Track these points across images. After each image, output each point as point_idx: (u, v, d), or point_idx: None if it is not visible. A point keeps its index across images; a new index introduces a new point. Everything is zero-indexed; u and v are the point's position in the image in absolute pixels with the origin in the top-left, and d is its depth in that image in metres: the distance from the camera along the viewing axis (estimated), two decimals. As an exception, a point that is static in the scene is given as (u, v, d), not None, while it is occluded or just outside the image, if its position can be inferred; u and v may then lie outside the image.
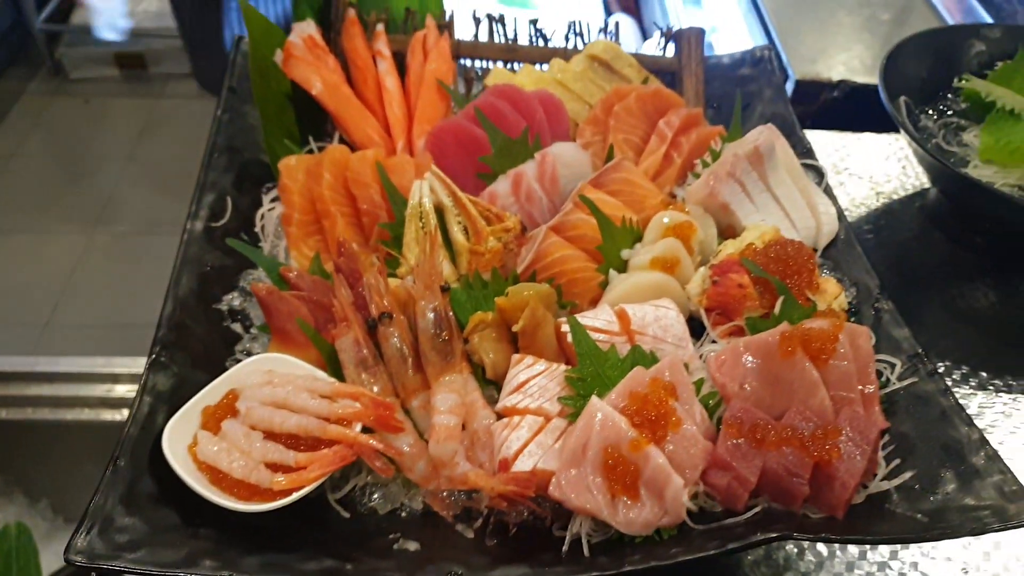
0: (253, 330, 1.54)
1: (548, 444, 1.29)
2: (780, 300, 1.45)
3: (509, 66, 1.99)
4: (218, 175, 1.79)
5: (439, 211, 1.59)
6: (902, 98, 2.27)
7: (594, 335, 1.40)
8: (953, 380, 1.77)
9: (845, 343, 1.37)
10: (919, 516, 1.22)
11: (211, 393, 1.34)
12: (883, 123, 2.52)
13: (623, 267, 1.57)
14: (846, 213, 2.18)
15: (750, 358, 1.36)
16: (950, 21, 3.10)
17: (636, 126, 1.83)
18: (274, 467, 1.24)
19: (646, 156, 1.79)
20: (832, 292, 1.57)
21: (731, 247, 1.59)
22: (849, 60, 2.85)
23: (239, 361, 1.46)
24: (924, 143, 2.17)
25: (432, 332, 1.35)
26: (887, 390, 1.45)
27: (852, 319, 1.60)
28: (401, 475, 1.33)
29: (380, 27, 1.90)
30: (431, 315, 1.35)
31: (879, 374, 1.48)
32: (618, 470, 1.22)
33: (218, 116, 1.90)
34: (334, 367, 1.38)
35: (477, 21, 2.01)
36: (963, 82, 2.34)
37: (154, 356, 1.38)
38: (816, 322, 1.39)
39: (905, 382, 1.44)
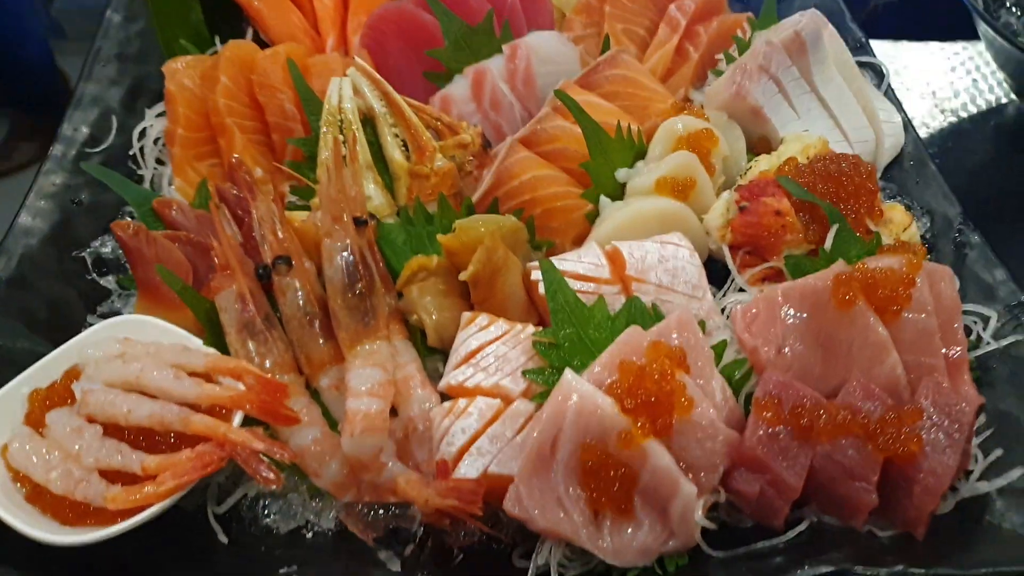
0: (127, 287, 1.17)
1: (506, 437, 0.91)
2: (832, 231, 1.05)
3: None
4: (102, 89, 1.41)
5: (369, 121, 1.19)
6: (980, -10, 1.83)
7: (575, 283, 1.00)
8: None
9: (923, 288, 0.97)
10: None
11: (43, 371, 0.97)
12: (947, 30, 2.07)
13: (619, 192, 1.17)
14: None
15: (792, 311, 0.97)
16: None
17: (640, 12, 1.41)
18: (115, 476, 0.87)
19: (653, 49, 1.37)
20: (900, 221, 1.16)
21: (764, 163, 1.18)
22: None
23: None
24: (1010, 37, 1.73)
25: (343, 282, 0.96)
26: (979, 352, 1.05)
27: (928, 257, 1.19)
28: (307, 481, 0.96)
29: None
30: (340, 259, 0.97)
31: (967, 330, 1.08)
32: (602, 475, 0.85)
33: (107, 16, 1.51)
34: (216, 333, 1.01)
35: None
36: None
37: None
38: (882, 259, 0.99)
39: (1005, 341, 1.04)
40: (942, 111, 1.91)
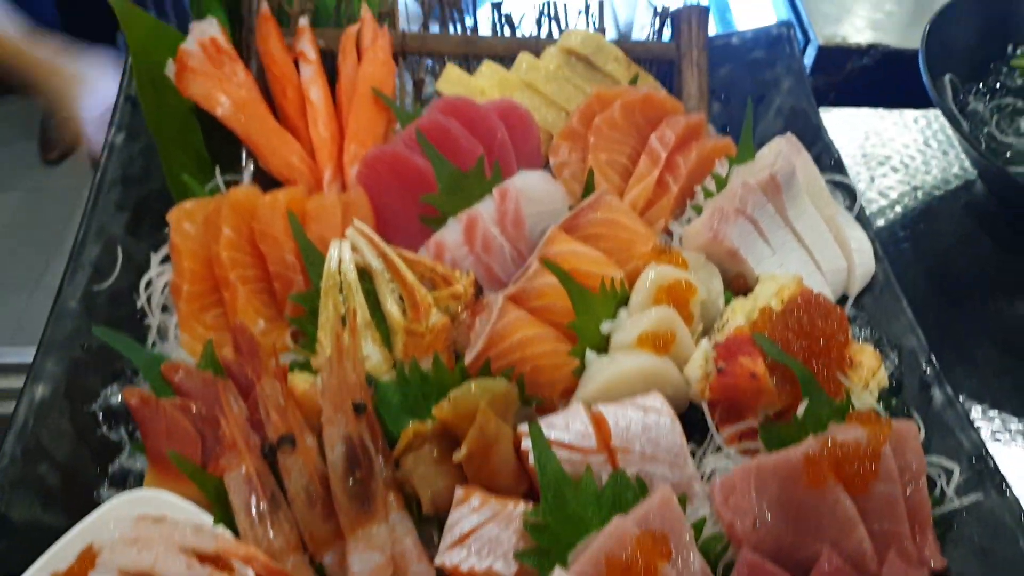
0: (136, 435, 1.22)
1: (501, 620, 0.98)
2: (803, 405, 1.12)
3: (467, 63, 1.60)
4: (108, 218, 1.45)
5: (367, 276, 1.24)
6: (947, 76, 1.89)
7: (563, 453, 1.07)
8: (1016, 443, 1.45)
9: (889, 456, 1.05)
10: None
11: (60, 555, 1.03)
12: (921, 95, 2.14)
13: (603, 343, 1.23)
14: (877, 213, 1.83)
15: (766, 485, 1.04)
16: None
17: (622, 142, 1.46)
18: (136, 666, 0.94)
19: (634, 183, 1.43)
20: (869, 366, 1.23)
21: (740, 312, 1.25)
22: (879, 18, 2.42)
23: (114, 486, 1.16)
24: (974, 135, 1.80)
25: (342, 470, 1.03)
26: (943, 509, 1.13)
27: (893, 399, 1.26)
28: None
29: (304, 21, 1.52)
30: (341, 447, 1.03)
31: (931, 483, 1.16)
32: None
33: (111, 136, 1.54)
34: (225, 507, 1.06)
35: (428, 7, 1.62)
36: (1021, 54, 1.95)
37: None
38: (851, 431, 1.06)
39: (967, 499, 1.11)
40: (914, 188, 1.98)
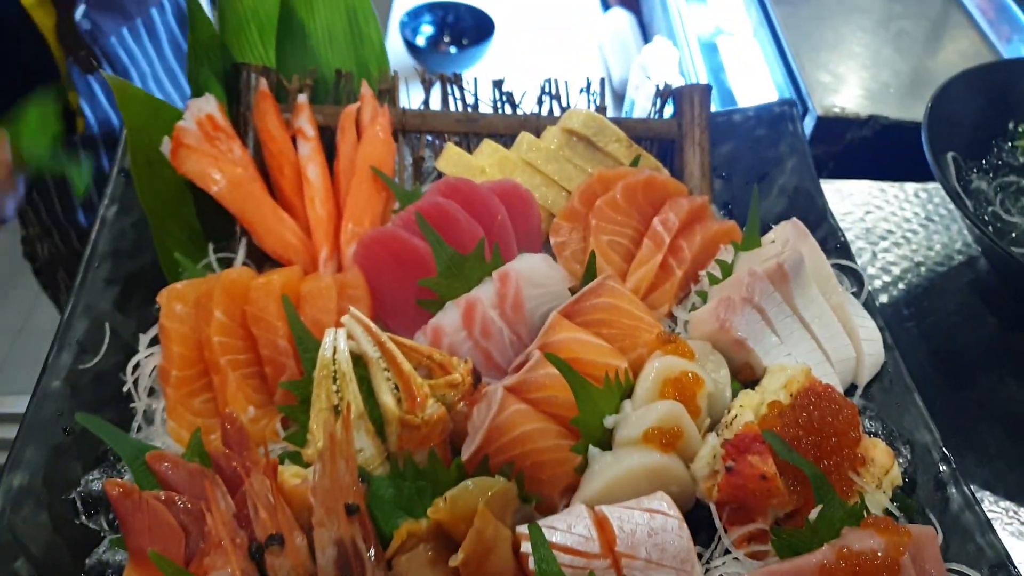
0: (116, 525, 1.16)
1: None
2: (816, 510, 1.07)
3: (467, 141, 1.59)
4: (96, 294, 1.41)
5: (362, 362, 1.20)
6: (950, 154, 1.88)
7: (564, 557, 1.02)
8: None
9: (908, 567, 0.99)
10: None
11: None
12: (922, 167, 2.14)
13: (607, 438, 1.19)
14: (880, 289, 1.81)
15: (781, 598, 0.99)
16: (990, 33, 2.67)
17: (624, 223, 1.44)
18: None
19: (637, 266, 1.40)
20: (881, 464, 1.19)
21: (748, 407, 1.20)
22: (877, 89, 2.44)
23: (90, 578, 1.10)
24: (978, 214, 1.78)
25: (333, 575, 0.97)
26: (963, 620, 1.07)
27: (908, 498, 1.21)
28: None
29: (303, 98, 1.50)
30: (332, 551, 0.98)
31: (952, 594, 1.11)
32: None
33: (103, 209, 1.52)
34: (209, 609, 1.01)
35: (428, 83, 1.61)
36: (1023, 132, 1.96)
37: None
38: (868, 539, 1.01)
39: (988, 609, 1.06)
40: (917, 265, 1.96)
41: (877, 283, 1.85)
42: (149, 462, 1.13)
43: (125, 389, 1.30)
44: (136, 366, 1.30)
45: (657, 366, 1.20)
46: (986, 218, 1.81)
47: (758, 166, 1.72)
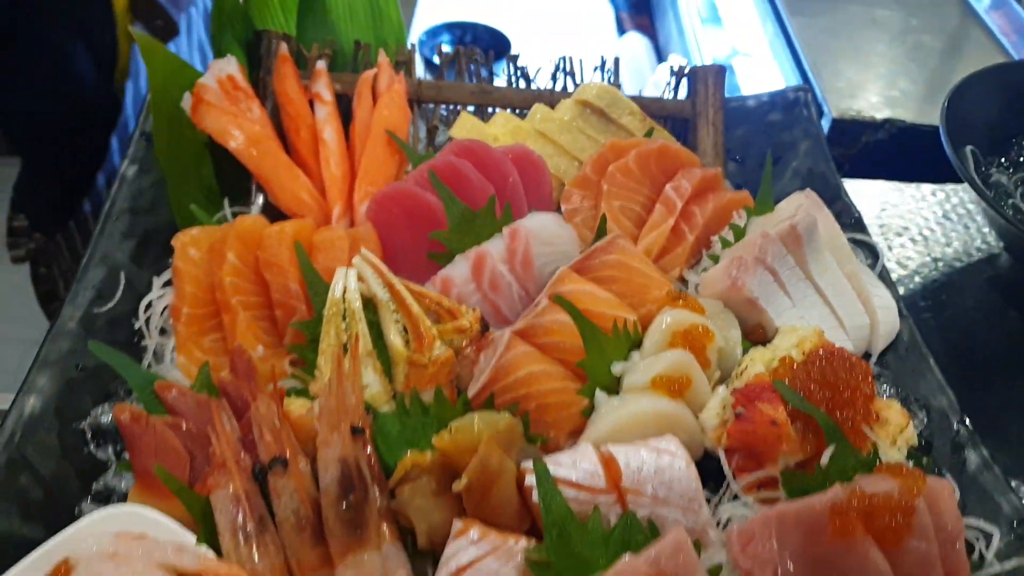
0: (124, 455, 1.16)
1: (494, 671, 0.89)
2: (829, 450, 1.05)
3: (481, 113, 1.61)
4: (113, 244, 1.43)
5: (372, 306, 1.20)
6: (968, 148, 1.87)
7: (569, 491, 1.00)
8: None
9: (923, 513, 0.96)
10: None
11: (35, 564, 0.96)
12: (938, 170, 2.12)
13: (614, 385, 1.17)
14: (897, 283, 1.78)
15: (788, 535, 0.96)
16: (1008, 47, 2.68)
17: (636, 191, 1.44)
18: None
19: (648, 230, 1.40)
20: (896, 423, 1.16)
21: (760, 360, 1.19)
22: (894, 95, 2.44)
23: (96, 503, 1.10)
24: (999, 204, 1.76)
25: (336, 493, 0.96)
26: (982, 573, 1.03)
27: (924, 458, 1.18)
28: None
29: (321, 64, 1.53)
30: (335, 470, 0.96)
31: (969, 546, 1.07)
32: None
33: (123, 168, 1.54)
34: (210, 528, 1.00)
35: (445, 57, 1.64)
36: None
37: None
38: (881, 481, 0.99)
39: (1009, 563, 1.02)
40: (934, 260, 1.93)
41: (893, 276, 1.83)
42: (157, 391, 1.13)
43: (137, 326, 1.30)
44: (148, 306, 1.31)
45: (667, 318, 1.19)
46: (1007, 210, 1.79)
47: (772, 150, 1.72)
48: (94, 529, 0.99)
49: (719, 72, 1.69)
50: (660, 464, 1.03)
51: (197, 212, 1.38)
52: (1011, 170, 1.91)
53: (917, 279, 1.90)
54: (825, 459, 1.04)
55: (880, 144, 2.39)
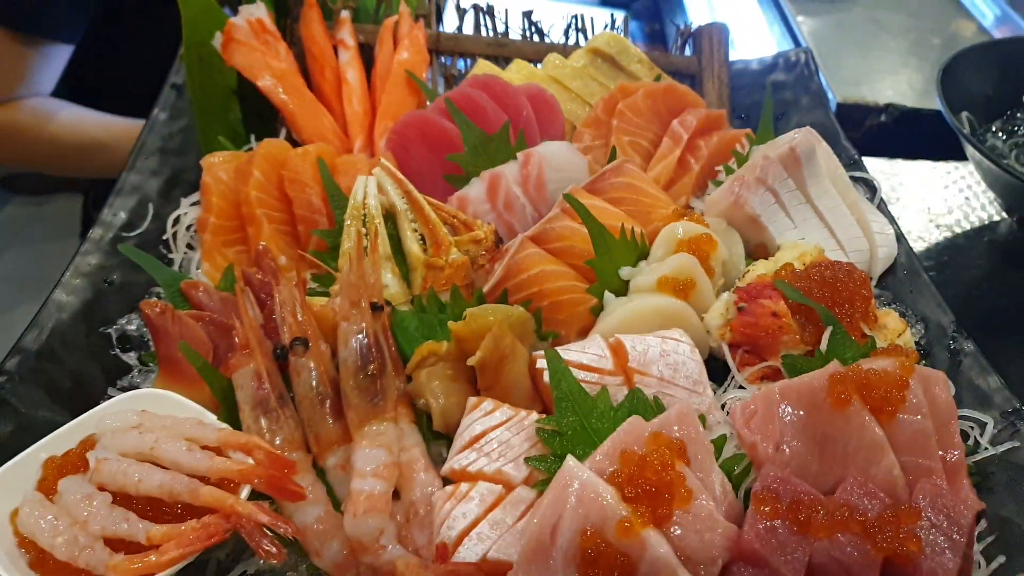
0: (150, 364, 1.21)
1: (507, 524, 0.92)
2: (827, 333, 1.09)
3: (498, 63, 1.68)
4: (143, 179, 1.50)
5: (391, 217, 1.26)
6: (964, 114, 1.93)
7: (579, 373, 1.04)
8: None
9: (918, 390, 1.00)
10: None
11: (60, 440, 1.00)
12: (938, 152, 2.18)
13: (623, 289, 1.22)
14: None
15: (789, 409, 1.00)
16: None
17: (645, 127, 1.50)
18: (120, 545, 0.89)
19: (656, 161, 1.46)
20: (894, 328, 1.20)
21: (762, 268, 1.24)
22: (897, 84, 2.50)
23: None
24: (996, 159, 1.81)
25: (356, 363, 1.00)
26: (976, 457, 1.07)
27: (922, 363, 1.22)
28: (306, 561, 0.97)
29: (345, 14, 1.62)
30: (355, 341, 1.01)
31: (964, 436, 1.10)
32: (601, 564, 0.85)
33: (155, 114, 1.62)
34: (231, 410, 1.04)
35: (462, 12, 1.72)
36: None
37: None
38: (877, 361, 1.03)
39: (1002, 447, 1.06)
40: (936, 226, 1.98)
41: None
42: (184, 289, 1.18)
43: (164, 237, 1.36)
44: (176, 220, 1.37)
45: (673, 228, 1.24)
46: (1004, 164, 1.84)
47: (776, 107, 1.79)
48: (117, 408, 1.03)
49: (722, 30, 1.76)
50: (665, 348, 1.08)
51: (225, 143, 1.44)
52: (1005, 137, 1.97)
53: (920, 243, 1.94)
54: (824, 345, 1.08)
55: (883, 127, 2.45)
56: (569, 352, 1.07)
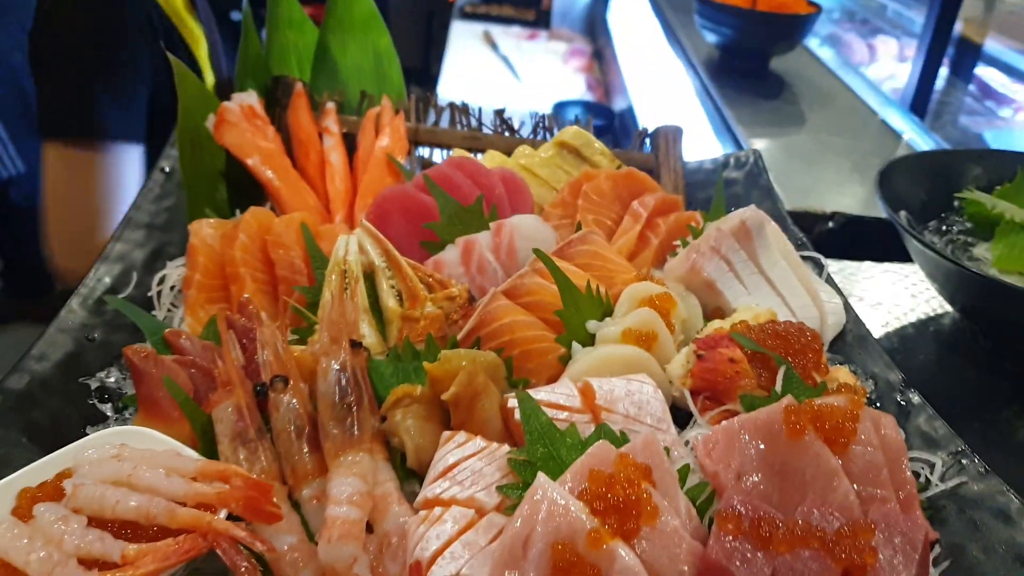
0: (125, 412, 1.23)
1: (480, 545, 0.94)
2: (781, 372, 1.16)
3: (472, 155, 1.82)
4: (129, 248, 1.56)
5: (369, 276, 1.33)
6: (903, 212, 2.09)
7: (549, 411, 1.09)
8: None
9: (868, 426, 1.06)
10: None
11: (36, 472, 1.01)
12: (882, 255, 2.34)
13: (588, 341, 1.29)
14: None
15: (749, 440, 1.05)
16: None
17: (608, 207, 1.62)
18: (93, 564, 0.89)
19: (619, 236, 1.57)
20: (844, 379, 1.27)
21: (718, 324, 1.32)
22: (841, 196, 2.72)
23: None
24: (938, 250, 1.95)
25: (335, 395, 1.04)
26: (929, 493, 1.12)
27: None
28: (277, 591, 0.97)
29: (330, 104, 1.75)
30: (335, 374, 1.06)
31: (916, 475, 1.16)
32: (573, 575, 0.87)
33: (140, 196, 1.70)
34: (209, 446, 1.06)
35: (440, 110, 1.88)
36: (966, 196, 2.18)
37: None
38: (827, 398, 1.09)
39: (951, 482, 1.11)
40: (884, 320, 2.09)
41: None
42: (167, 336, 1.23)
43: (149, 295, 1.41)
44: (162, 279, 1.42)
45: (635, 287, 1.33)
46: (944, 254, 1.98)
47: (728, 200, 1.93)
48: (95, 443, 1.05)
49: (677, 131, 1.93)
50: (630, 388, 1.14)
51: (211, 215, 1.52)
52: (940, 237, 2.13)
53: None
54: (779, 385, 1.15)
55: (831, 232, 2.63)
56: (539, 393, 1.12)
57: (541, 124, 1.91)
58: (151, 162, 2.18)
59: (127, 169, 1.97)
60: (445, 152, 1.83)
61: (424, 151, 1.85)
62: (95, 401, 1.25)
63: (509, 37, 5.38)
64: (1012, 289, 1.63)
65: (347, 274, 1.29)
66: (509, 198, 1.60)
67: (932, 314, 2.12)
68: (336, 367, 1.06)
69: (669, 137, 1.91)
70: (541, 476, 0.92)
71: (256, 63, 1.78)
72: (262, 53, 1.82)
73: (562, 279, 1.27)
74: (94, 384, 1.27)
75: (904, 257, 2.00)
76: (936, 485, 1.12)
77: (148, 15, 1.90)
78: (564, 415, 1.10)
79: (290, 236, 1.39)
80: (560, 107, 4.01)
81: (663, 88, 4.48)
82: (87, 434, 1.18)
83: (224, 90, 1.97)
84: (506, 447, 1.05)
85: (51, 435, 1.14)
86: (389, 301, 1.29)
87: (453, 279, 1.39)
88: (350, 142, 1.76)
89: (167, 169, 1.78)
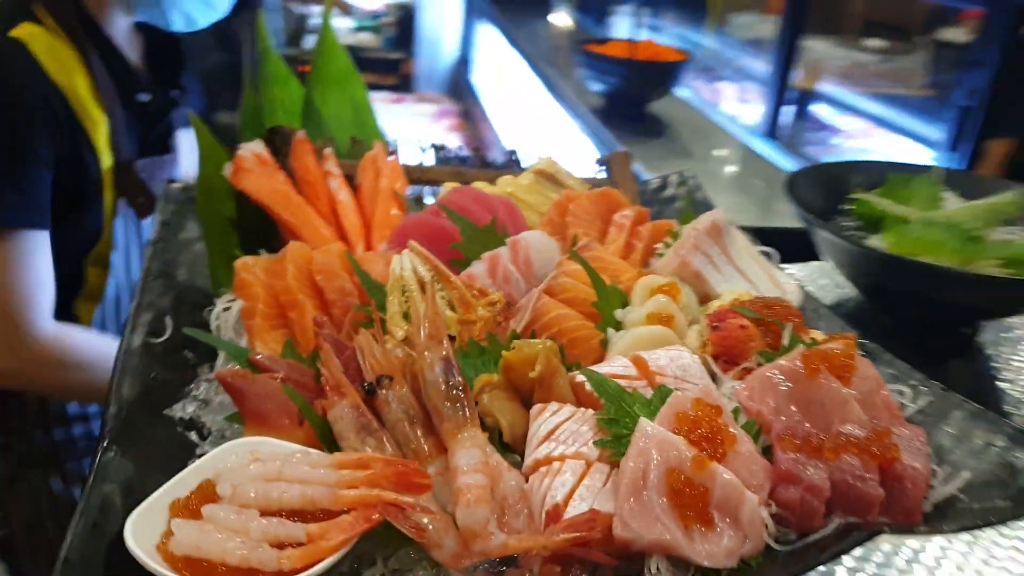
0: (217, 431, 1.31)
1: (597, 487, 1.12)
2: (786, 329, 1.43)
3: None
4: (155, 297, 1.63)
5: (422, 288, 1.49)
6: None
7: (612, 382, 1.29)
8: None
9: (860, 360, 1.35)
10: (999, 503, 1.14)
11: (180, 484, 1.09)
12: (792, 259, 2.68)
13: (617, 327, 1.50)
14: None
15: (779, 383, 1.30)
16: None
17: (592, 223, 1.86)
18: (279, 547, 1.00)
19: (607, 245, 1.80)
20: (821, 338, 1.56)
21: (717, 303, 1.58)
22: (737, 214, 3.10)
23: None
24: (846, 237, 2.31)
25: (444, 382, 1.20)
26: (906, 414, 1.40)
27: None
28: (424, 558, 1.10)
29: (329, 150, 1.90)
30: (440, 365, 1.21)
31: (893, 403, 1.44)
32: (686, 494, 1.07)
33: (152, 243, 1.77)
34: (329, 448, 1.18)
35: (421, 150, 2.06)
36: (859, 198, 2.56)
37: (104, 446, 1.14)
38: (829, 344, 1.37)
39: (921, 402, 1.41)
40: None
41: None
42: (252, 360, 1.33)
43: (212, 327, 1.49)
44: (217, 316, 1.51)
45: (646, 279, 1.57)
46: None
47: (675, 214, 2.22)
48: (228, 453, 1.15)
49: (626, 155, 2.21)
50: (671, 355, 1.36)
51: (240, 254, 1.63)
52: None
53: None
54: (786, 339, 1.41)
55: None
56: (601, 368, 1.32)
57: (511, 158, 2.13)
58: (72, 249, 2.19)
59: (36, 256, 1.97)
60: (436, 189, 2.02)
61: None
62: (182, 430, 1.32)
63: (376, 103, 5.58)
64: (909, 263, 1.99)
65: (406, 289, 1.44)
66: (507, 221, 1.80)
67: (837, 301, 2.48)
68: (442, 358, 1.21)
69: (620, 159, 2.19)
70: (643, 420, 1.13)
71: (255, 116, 1.90)
72: (261, 107, 1.94)
73: (595, 276, 1.49)
74: (176, 415, 1.34)
75: (796, 260, 2.36)
76: (910, 406, 1.40)
77: (47, 100, 1.93)
78: (625, 383, 1.30)
79: (334, 263, 1.53)
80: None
81: (548, 132, 4.88)
82: (192, 456, 1.26)
83: (124, 168, 2.06)
84: (591, 411, 1.24)
85: (162, 460, 1.21)
86: (445, 310, 1.45)
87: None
88: (349, 183, 1.91)
89: (164, 220, 1.85)
